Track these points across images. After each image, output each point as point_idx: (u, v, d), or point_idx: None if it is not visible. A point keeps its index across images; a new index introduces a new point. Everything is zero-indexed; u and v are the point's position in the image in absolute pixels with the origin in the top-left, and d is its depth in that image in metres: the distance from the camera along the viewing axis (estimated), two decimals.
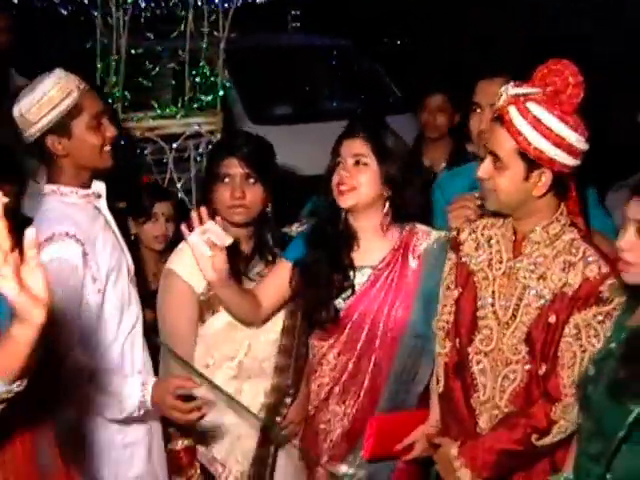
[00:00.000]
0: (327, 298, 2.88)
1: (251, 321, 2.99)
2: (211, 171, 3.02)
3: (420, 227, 2.97)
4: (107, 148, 2.79)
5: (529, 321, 2.53)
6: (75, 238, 2.64)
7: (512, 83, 2.45)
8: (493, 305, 2.60)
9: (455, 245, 2.76)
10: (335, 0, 14.38)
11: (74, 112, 2.67)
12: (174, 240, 3.78)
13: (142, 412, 2.68)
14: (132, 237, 3.66)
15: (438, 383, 2.78)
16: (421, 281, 2.91)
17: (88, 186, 2.82)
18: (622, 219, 2.21)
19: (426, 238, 2.95)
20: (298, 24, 15.04)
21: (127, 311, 2.89)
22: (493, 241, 2.66)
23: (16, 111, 2.68)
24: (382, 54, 9.95)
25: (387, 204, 2.90)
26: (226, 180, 2.94)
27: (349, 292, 2.90)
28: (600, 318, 2.43)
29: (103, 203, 2.88)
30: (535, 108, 2.37)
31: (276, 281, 2.97)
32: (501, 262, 2.61)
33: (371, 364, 2.90)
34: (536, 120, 2.36)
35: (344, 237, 2.93)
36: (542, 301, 2.52)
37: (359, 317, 2.90)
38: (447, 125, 4.71)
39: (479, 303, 2.63)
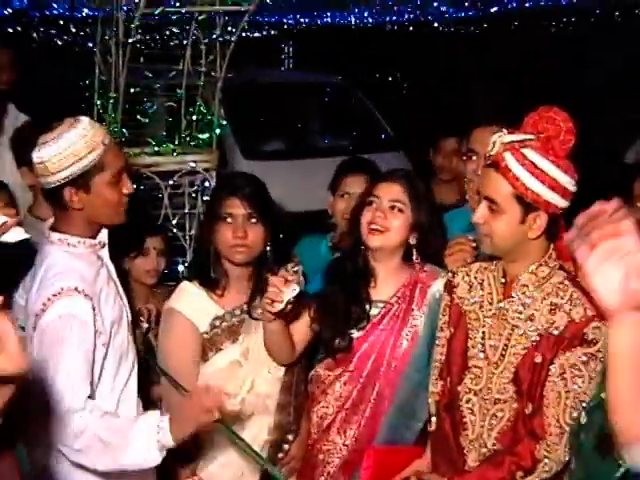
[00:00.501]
0: (344, 328, 2.96)
1: (287, 361, 3.05)
2: (213, 211, 3.05)
3: (430, 267, 3.05)
4: (124, 205, 2.77)
5: (517, 361, 2.58)
6: (84, 293, 2.61)
7: (505, 130, 2.50)
8: (483, 345, 2.65)
9: (449, 287, 2.82)
10: (328, 38, 14.51)
11: (97, 168, 2.63)
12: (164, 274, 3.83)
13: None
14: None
15: (430, 421, 2.82)
16: (426, 319, 2.99)
17: (96, 236, 2.80)
18: None
19: (434, 278, 3.02)
20: (291, 60, 15.16)
21: (125, 362, 2.86)
22: (485, 283, 2.72)
23: (36, 157, 2.62)
24: (374, 92, 10.01)
25: (415, 252, 3.01)
26: (228, 220, 2.98)
27: (364, 323, 2.98)
28: (584, 359, 2.48)
29: (106, 252, 2.86)
30: (530, 154, 2.43)
31: (301, 323, 3.03)
32: (491, 303, 2.66)
33: (374, 392, 2.97)
34: (532, 165, 2.43)
35: (363, 273, 3.02)
36: (529, 342, 2.57)
37: (368, 348, 2.98)
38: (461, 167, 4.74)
39: (470, 343, 2.69)
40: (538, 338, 2.56)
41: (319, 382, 3.09)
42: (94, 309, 2.63)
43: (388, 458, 2.93)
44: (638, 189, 3.36)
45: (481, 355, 2.65)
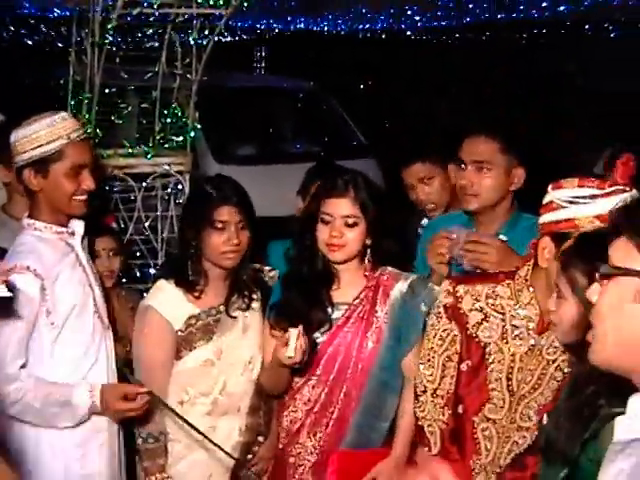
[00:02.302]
0: (308, 332, 2.90)
1: (280, 393, 3.07)
2: (202, 217, 3.02)
3: (391, 269, 3.04)
4: (79, 197, 2.91)
5: (551, 394, 2.56)
6: (35, 273, 2.78)
7: (628, 192, 2.38)
8: (510, 380, 2.61)
9: (457, 315, 2.71)
10: (301, 44, 14.54)
11: (55, 157, 2.82)
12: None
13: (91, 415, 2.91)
14: None
15: (430, 448, 2.77)
16: (390, 319, 2.98)
17: (64, 224, 2.95)
18: None
19: (397, 279, 3.02)
20: (264, 65, 15.17)
21: (92, 345, 3.00)
22: (507, 314, 2.63)
23: (12, 137, 2.86)
24: (346, 98, 10.05)
25: (368, 252, 3.00)
26: (220, 226, 2.98)
27: (327, 327, 2.98)
28: None
29: (77, 241, 2.99)
30: None
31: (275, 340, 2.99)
32: (522, 338, 2.59)
33: (342, 394, 2.96)
34: None
35: (323, 276, 3.01)
36: (563, 374, 2.55)
37: (333, 350, 2.97)
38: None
39: (490, 376, 2.63)
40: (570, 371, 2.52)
41: (287, 388, 3.08)
42: (44, 289, 2.80)
43: (353, 461, 2.95)
44: None
45: (505, 388, 2.61)
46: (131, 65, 4.42)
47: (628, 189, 2.39)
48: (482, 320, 2.66)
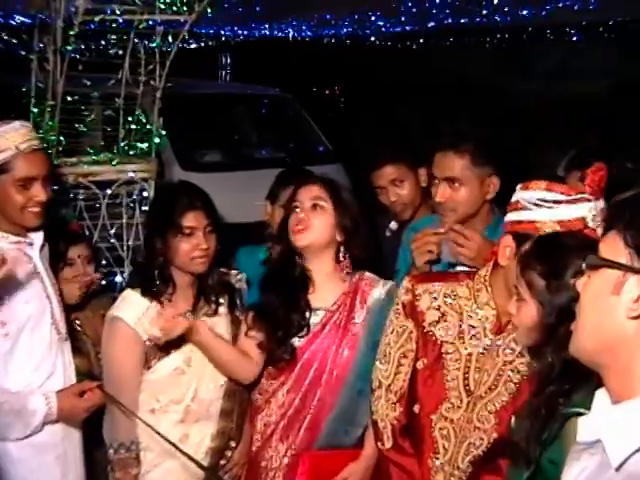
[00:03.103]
0: (285, 336, 2.96)
1: (245, 374, 3.07)
2: (169, 224, 3.01)
3: (368, 275, 3.07)
4: (31, 209, 2.87)
5: (506, 396, 2.57)
6: None
7: (593, 201, 2.42)
8: (466, 379, 2.63)
9: (413, 313, 2.74)
10: (266, 50, 14.54)
11: (3, 168, 2.79)
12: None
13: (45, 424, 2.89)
14: None
15: (383, 442, 2.79)
16: (368, 326, 3.00)
17: (22, 234, 2.93)
18: None
19: (374, 285, 3.06)
20: (229, 72, 15.15)
21: (49, 356, 2.99)
22: (464, 314, 2.66)
23: None
24: (312, 105, 10.07)
25: (342, 249, 3.02)
26: (187, 232, 2.98)
27: (304, 331, 2.99)
28: None
29: (35, 252, 2.97)
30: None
31: (252, 340, 3.04)
32: (478, 339, 2.62)
33: (315, 399, 2.97)
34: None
35: (300, 280, 3.03)
36: (521, 377, 2.57)
37: (310, 355, 2.98)
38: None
39: (448, 375, 2.65)
40: (530, 372, 2.51)
41: (262, 391, 3.09)
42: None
43: (323, 463, 2.96)
44: None
45: (462, 388, 2.63)
46: (94, 72, 4.38)
47: (594, 198, 2.40)
48: (439, 319, 2.69)
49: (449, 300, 2.69)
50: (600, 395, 1.52)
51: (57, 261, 3.53)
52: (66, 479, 3.07)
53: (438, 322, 2.69)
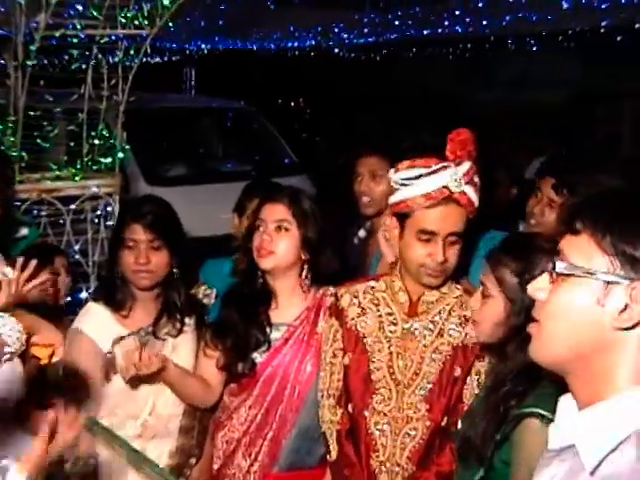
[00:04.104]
0: (246, 352, 2.92)
1: (205, 402, 3.06)
2: (116, 236, 3.04)
3: (332, 290, 3.01)
4: None
5: (432, 378, 2.63)
6: None
7: (452, 166, 2.50)
8: (391, 367, 2.67)
9: (336, 311, 2.82)
10: (230, 63, 14.54)
11: None
12: None
13: None
14: None
15: (330, 452, 2.82)
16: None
17: None
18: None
19: None
20: (193, 86, 15.12)
21: None
22: (381, 304, 2.74)
23: None
24: (277, 117, 10.08)
25: (306, 267, 2.98)
26: (131, 245, 2.97)
27: (265, 347, 2.95)
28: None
29: None
30: (476, 178, 2.54)
31: (210, 360, 3.00)
32: (395, 324, 2.69)
33: (277, 416, 2.93)
34: (477, 187, 2.55)
35: (261, 295, 2.99)
36: (443, 357, 2.63)
37: (272, 371, 2.94)
38: None
39: (373, 366, 2.70)
40: (452, 352, 2.63)
41: (225, 408, 3.04)
42: None
43: None
44: (531, 206, 3.50)
45: (389, 377, 2.68)
46: (57, 87, 4.37)
47: (454, 164, 2.49)
48: (360, 314, 2.76)
49: (369, 296, 2.78)
50: (565, 401, 1.52)
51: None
52: None
53: (359, 316, 2.76)
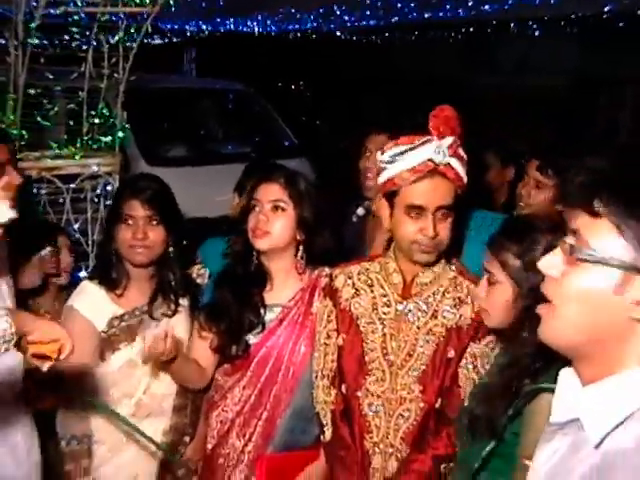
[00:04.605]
0: (239, 334, 2.93)
1: (198, 384, 3.07)
2: (114, 211, 3.05)
3: (327, 271, 3.02)
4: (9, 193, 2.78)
5: (426, 359, 2.64)
6: None
7: (435, 139, 2.52)
8: (384, 348, 2.69)
9: (330, 292, 2.84)
10: (230, 45, 14.49)
11: None
12: None
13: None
14: None
15: (324, 432, 2.84)
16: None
17: None
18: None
19: None
20: (193, 67, 15.08)
21: None
22: (375, 286, 2.75)
23: None
24: (277, 99, 10.06)
25: (301, 248, 2.99)
26: (129, 221, 2.98)
27: (259, 328, 2.96)
28: (492, 345, 2.62)
29: None
30: (461, 151, 2.55)
31: (204, 341, 3.01)
32: (389, 305, 2.70)
33: (271, 396, 2.95)
34: (463, 160, 2.56)
35: (256, 277, 3.00)
36: (437, 338, 2.65)
37: (266, 352, 2.96)
38: None
39: (367, 347, 2.71)
40: (446, 333, 2.65)
41: (218, 388, 3.06)
42: None
43: (281, 465, 2.94)
44: (519, 189, 3.53)
45: (382, 358, 2.69)
46: (57, 65, 4.36)
47: (437, 138, 2.50)
48: (354, 294, 2.78)
49: (363, 277, 2.79)
50: (567, 374, 1.51)
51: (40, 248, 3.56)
52: (20, 470, 3.02)
53: (353, 297, 2.78)
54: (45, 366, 2.17)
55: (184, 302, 3.17)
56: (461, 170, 2.54)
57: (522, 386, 2.16)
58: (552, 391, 2.05)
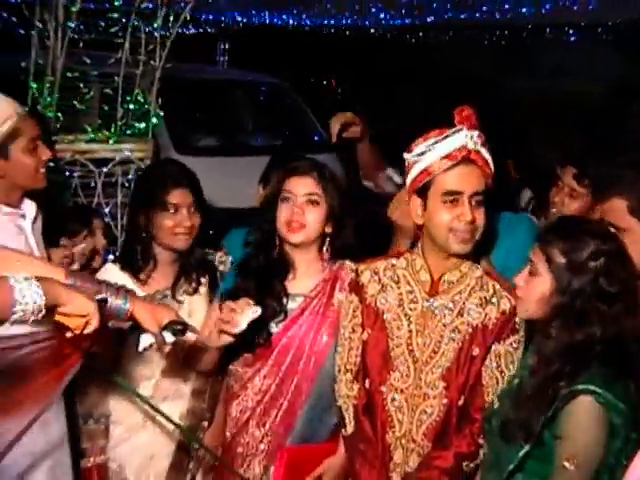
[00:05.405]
0: (261, 323, 2.92)
1: (206, 369, 3.09)
2: (154, 200, 3.05)
3: (349, 264, 3.05)
4: (42, 170, 2.92)
5: (451, 357, 2.66)
6: None
7: (465, 129, 2.57)
8: (410, 345, 2.70)
9: (356, 287, 2.85)
10: (265, 38, 14.51)
11: (12, 136, 2.78)
12: None
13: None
14: None
15: (346, 426, 2.84)
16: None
17: (16, 205, 2.92)
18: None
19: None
20: (227, 59, 15.10)
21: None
22: (402, 282, 2.77)
23: None
24: (309, 94, 10.07)
25: (327, 241, 3.02)
26: (172, 210, 3.02)
27: (281, 317, 2.98)
28: (515, 345, 2.65)
29: (27, 223, 2.96)
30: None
31: None
32: (416, 302, 2.72)
33: (292, 386, 2.96)
34: (489, 153, 2.63)
35: (279, 265, 3.02)
36: (462, 336, 2.66)
37: (287, 341, 2.97)
38: None
39: (392, 343, 2.73)
40: (471, 331, 2.66)
41: (238, 378, 3.06)
42: None
43: (301, 457, 2.95)
44: (552, 195, 3.52)
45: (408, 354, 2.70)
46: (94, 50, 4.40)
47: (466, 129, 2.56)
48: (380, 290, 2.79)
49: (389, 273, 2.81)
50: None
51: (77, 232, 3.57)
52: (50, 445, 3.03)
53: (379, 293, 2.79)
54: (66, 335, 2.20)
55: (203, 281, 3.21)
56: (489, 159, 2.60)
57: (559, 389, 2.18)
58: (590, 393, 2.10)
